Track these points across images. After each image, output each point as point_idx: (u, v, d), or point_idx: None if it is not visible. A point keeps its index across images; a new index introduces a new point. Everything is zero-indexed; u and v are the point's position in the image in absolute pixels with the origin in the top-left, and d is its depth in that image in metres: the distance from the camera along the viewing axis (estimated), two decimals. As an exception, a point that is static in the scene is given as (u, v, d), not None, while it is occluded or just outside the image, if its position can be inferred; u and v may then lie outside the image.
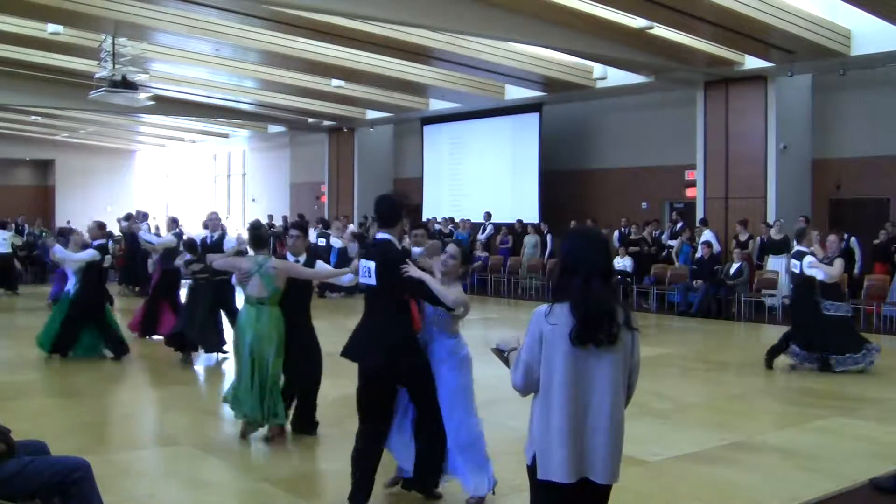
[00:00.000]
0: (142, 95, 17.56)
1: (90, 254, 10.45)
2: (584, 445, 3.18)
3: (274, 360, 6.54)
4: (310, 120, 25.87)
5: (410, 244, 6.82)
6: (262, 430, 6.73)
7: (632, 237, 17.87)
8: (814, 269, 9.57)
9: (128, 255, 18.37)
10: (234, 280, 7.33)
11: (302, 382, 6.88)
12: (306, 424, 6.94)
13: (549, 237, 19.53)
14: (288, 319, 6.68)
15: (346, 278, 6.80)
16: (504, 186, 21.99)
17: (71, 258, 10.38)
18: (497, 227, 21.14)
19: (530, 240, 19.65)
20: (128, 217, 19.24)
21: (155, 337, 11.42)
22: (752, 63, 15.76)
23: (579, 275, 3.19)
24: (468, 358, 5.23)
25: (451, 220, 21.50)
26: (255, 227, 7.52)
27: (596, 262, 3.22)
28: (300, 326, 6.83)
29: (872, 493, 5.56)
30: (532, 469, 3.27)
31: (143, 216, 19.32)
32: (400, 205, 5.14)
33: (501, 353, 3.49)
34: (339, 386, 8.60)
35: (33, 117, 27.50)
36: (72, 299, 10.28)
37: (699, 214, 17.48)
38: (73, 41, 16.21)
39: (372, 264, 5.00)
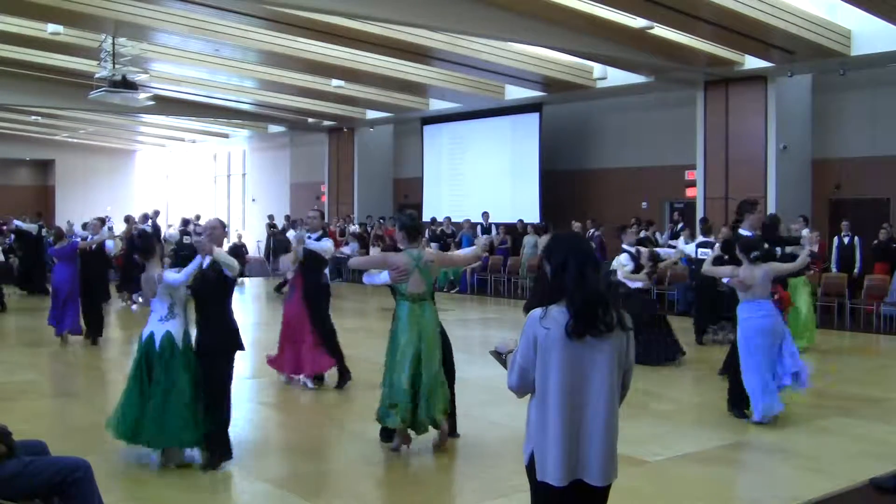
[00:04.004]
0: (142, 95, 17.54)
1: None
2: (579, 448, 3.20)
3: (440, 357, 6.28)
4: (310, 120, 25.86)
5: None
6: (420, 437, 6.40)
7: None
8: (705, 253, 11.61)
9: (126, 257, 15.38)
10: (367, 279, 6.78)
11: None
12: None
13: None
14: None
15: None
16: (504, 186, 21.97)
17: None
18: (487, 227, 21.11)
19: (530, 240, 19.63)
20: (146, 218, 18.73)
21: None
22: (752, 63, 15.74)
23: (572, 268, 3.22)
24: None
25: (449, 220, 21.48)
26: (412, 219, 6.43)
27: (585, 253, 3.29)
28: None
29: (872, 493, 5.56)
30: (530, 469, 3.29)
31: (144, 217, 18.86)
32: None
33: (500, 356, 3.49)
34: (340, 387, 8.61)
35: (33, 117, 27.47)
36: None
37: (699, 214, 17.46)
38: (73, 41, 16.20)
39: None
